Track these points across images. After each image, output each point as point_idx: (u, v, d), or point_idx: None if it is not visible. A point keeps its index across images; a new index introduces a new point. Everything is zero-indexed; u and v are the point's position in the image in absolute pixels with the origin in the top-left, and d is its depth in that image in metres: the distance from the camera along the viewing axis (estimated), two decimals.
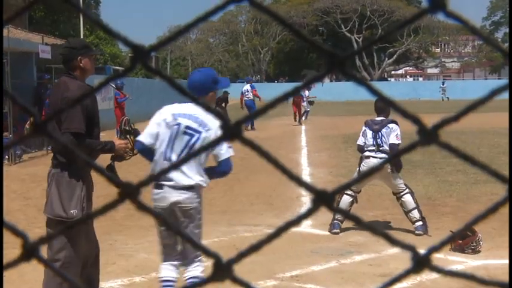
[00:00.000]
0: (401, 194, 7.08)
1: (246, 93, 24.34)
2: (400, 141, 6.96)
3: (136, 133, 4.45)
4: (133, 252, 6.40)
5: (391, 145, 6.94)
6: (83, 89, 4.20)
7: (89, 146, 4.14)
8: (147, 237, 6.91)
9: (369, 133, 7.13)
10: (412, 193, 7.11)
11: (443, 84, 53.38)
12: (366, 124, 7.27)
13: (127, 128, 4.59)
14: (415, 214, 6.99)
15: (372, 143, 7.08)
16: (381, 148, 7.02)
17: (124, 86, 19.23)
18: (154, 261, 6.08)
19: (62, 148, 3.87)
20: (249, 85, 24.56)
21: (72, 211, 4.12)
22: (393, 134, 7.00)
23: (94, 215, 0.63)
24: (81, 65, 4.30)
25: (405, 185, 7.14)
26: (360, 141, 7.27)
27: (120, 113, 18.70)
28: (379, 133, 7.06)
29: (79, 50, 4.31)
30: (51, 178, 4.21)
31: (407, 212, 7.05)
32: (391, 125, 7.09)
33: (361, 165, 7.21)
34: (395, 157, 5.67)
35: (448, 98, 49.14)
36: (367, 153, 7.11)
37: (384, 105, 7.09)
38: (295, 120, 25.07)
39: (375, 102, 7.27)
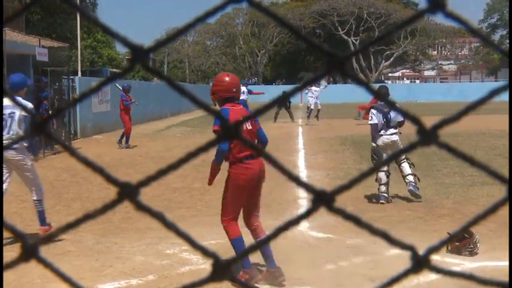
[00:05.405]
0: (401, 162, 8.90)
1: None
2: None
3: None
4: (130, 255, 6.39)
5: (402, 122, 8.82)
6: None
7: None
8: (144, 240, 6.90)
9: (379, 116, 8.85)
10: (410, 163, 8.96)
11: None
12: (375, 108, 8.97)
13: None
14: (410, 178, 8.82)
15: (382, 122, 8.83)
16: (391, 125, 8.80)
17: (131, 88, 18.32)
18: (152, 264, 6.08)
19: None
20: None
21: None
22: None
23: (93, 216, 0.63)
24: None
25: (406, 157, 8.95)
26: (373, 120, 8.91)
27: (126, 117, 17.81)
28: (389, 115, 8.80)
29: None
30: None
31: (404, 176, 8.87)
32: None
33: (378, 141, 8.85)
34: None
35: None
36: (381, 132, 8.84)
37: (387, 92, 9.02)
38: None
39: (378, 88, 8.61)
